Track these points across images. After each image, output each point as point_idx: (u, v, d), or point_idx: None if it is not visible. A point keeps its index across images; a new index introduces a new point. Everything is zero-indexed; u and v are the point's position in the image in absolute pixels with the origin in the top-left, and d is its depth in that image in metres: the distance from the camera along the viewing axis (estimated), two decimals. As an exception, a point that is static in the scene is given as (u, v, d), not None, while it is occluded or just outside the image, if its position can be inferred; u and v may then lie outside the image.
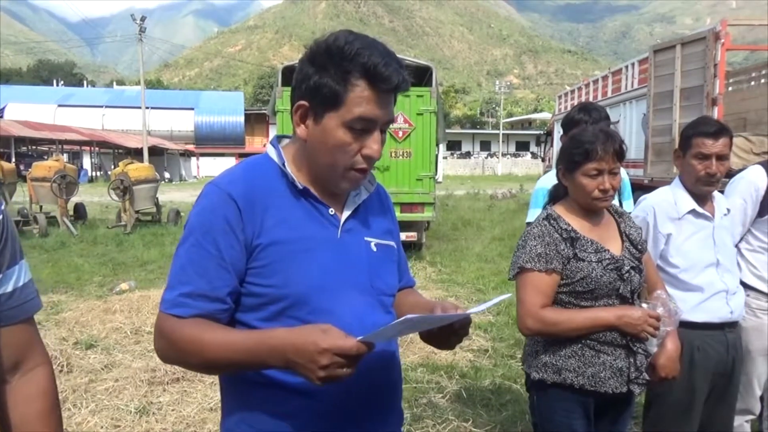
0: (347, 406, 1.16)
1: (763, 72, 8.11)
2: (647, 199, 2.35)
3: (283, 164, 1.21)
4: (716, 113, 7.44)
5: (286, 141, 1.29)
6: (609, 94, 11.80)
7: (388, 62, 1.11)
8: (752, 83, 8.28)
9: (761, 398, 2.59)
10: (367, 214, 1.29)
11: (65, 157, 27.54)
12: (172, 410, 3.51)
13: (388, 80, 1.11)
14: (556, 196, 2.00)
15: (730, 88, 8.19)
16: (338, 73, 1.11)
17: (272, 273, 1.13)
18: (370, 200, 1.30)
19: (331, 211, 1.22)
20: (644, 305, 1.81)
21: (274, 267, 1.14)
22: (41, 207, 12.09)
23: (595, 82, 13.27)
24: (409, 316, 1.01)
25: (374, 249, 1.26)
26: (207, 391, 3.77)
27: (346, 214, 1.24)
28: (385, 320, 1.21)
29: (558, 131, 16.01)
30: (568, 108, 15.24)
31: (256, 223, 1.14)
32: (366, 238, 1.26)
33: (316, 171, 1.20)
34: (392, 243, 1.33)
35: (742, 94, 8.13)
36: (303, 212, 1.19)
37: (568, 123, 2.62)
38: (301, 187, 1.19)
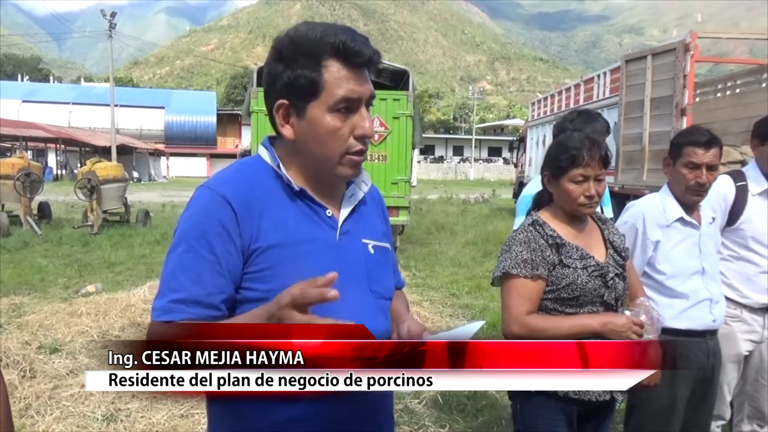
0: (339, 411, 1.12)
1: (729, 84, 8.34)
2: (636, 205, 2.36)
3: (278, 166, 1.17)
4: (685, 123, 7.62)
5: (276, 142, 1.24)
6: (581, 102, 12.00)
7: (354, 38, 1.10)
8: (718, 94, 8.51)
9: (731, 404, 2.65)
10: (363, 216, 1.25)
11: (29, 154, 26.76)
12: (142, 417, 3.40)
13: (360, 54, 1.09)
14: (540, 202, 2.00)
15: (697, 99, 8.40)
16: (309, 61, 1.08)
17: (271, 277, 1.09)
18: (365, 202, 1.27)
19: (329, 212, 1.18)
20: (627, 312, 1.81)
21: (273, 271, 1.09)
22: (3, 206, 11.69)
23: (568, 90, 13.50)
24: None
25: (372, 251, 1.23)
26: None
27: (343, 215, 1.20)
28: (385, 325, 1.18)
29: (531, 138, 16.23)
30: (541, 115, 15.48)
31: (253, 227, 1.10)
32: (364, 240, 1.22)
33: (312, 167, 1.16)
34: (387, 245, 1.30)
35: (709, 105, 8.34)
36: (300, 215, 1.15)
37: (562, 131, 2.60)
38: (297, 189, 1.15)
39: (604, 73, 10.99)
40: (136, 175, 37.73)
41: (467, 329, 1.08)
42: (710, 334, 2.26)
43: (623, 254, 1.92)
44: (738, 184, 2.53)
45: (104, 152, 31.85)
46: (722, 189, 2.51)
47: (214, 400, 1.19)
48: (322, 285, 0.90)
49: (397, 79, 9.65)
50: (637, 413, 2.26)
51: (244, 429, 1.12)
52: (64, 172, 37.84)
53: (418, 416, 3.56)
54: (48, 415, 3.40)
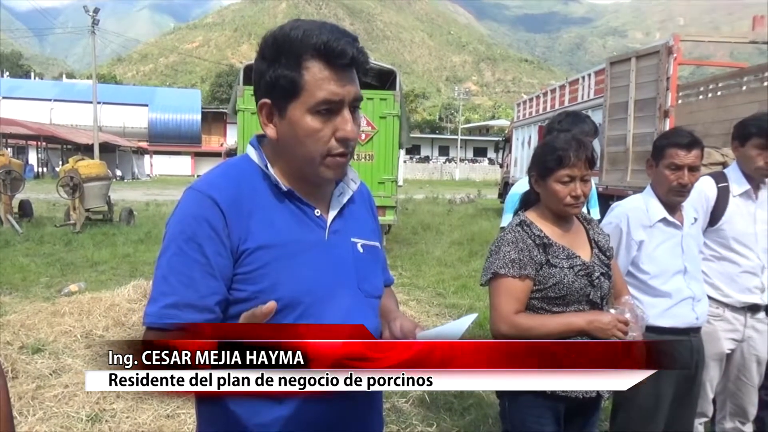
0: (328, 411, 1.13)
1: (710, 87, 8.47)
2: (620, 206, 2.40)
3: (266, 166, 1.16)
4: (668, 125, 7.73)
5: (264, 141, 1.24)
6: (566, 104, 12.10)
7: (338, 37, 1.07)
8: (700, 97, 8.63)
9: (713, 401, 2.70)
10: (352, 214, 1.25)
11: (10, 151, 26.32)
12: (127, 417, 3.37)
13: (342, 54, 1.06)
14: (527, 202, 2.02)
15: (679, 101, 8.51)
16: (290, 61, 1.07)
17: (260, 278, 1.09)
18: (354, 200, 1.27)
19: (317, 212, 1.18)
20: (613, 310, 1.84)
21: (262, 272, 1.09)
22: (-17, 204, 11.50)
23: (553, 91, 13.60)
24: None
25: (361, 250, 1.23)
26: (163, 397, 3.64)
27: (332, 214, 1.20)
28: (375, 324, 1.18)
29: (516, 138, 16.32)
30: (527, 116, 15.58)
31: (241, 227, 1.09)
32: (352, 239, 1.22)
33: (296, 167, 1.16)
34: (377, 243, 1.30)
35: (691, 107, 8.46)
36: (289, 215, 1.15)
37: (551, 131, 2.62)
38: (285, 189, 1.15)
39: (589, 75, 11.10)
40: (119, 173, 37.30)
41: (460, 323, 1.08)
42: (693, 332, 2.30)
43: (608, 254, 1.95)
44: (719, 185, 2.58)
45: (86, 150, 31.42)
46: (704, 190, 2.56)
47: (202, 400, 1.18)
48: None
49: (384, 79, 9.65)
50: (623, 410, 2.29)
51: (233, 429, 1.12)
52: (45, 169, 37.28)
53: (406, 415, 3.57)
54: (31, 416, 3.35)
